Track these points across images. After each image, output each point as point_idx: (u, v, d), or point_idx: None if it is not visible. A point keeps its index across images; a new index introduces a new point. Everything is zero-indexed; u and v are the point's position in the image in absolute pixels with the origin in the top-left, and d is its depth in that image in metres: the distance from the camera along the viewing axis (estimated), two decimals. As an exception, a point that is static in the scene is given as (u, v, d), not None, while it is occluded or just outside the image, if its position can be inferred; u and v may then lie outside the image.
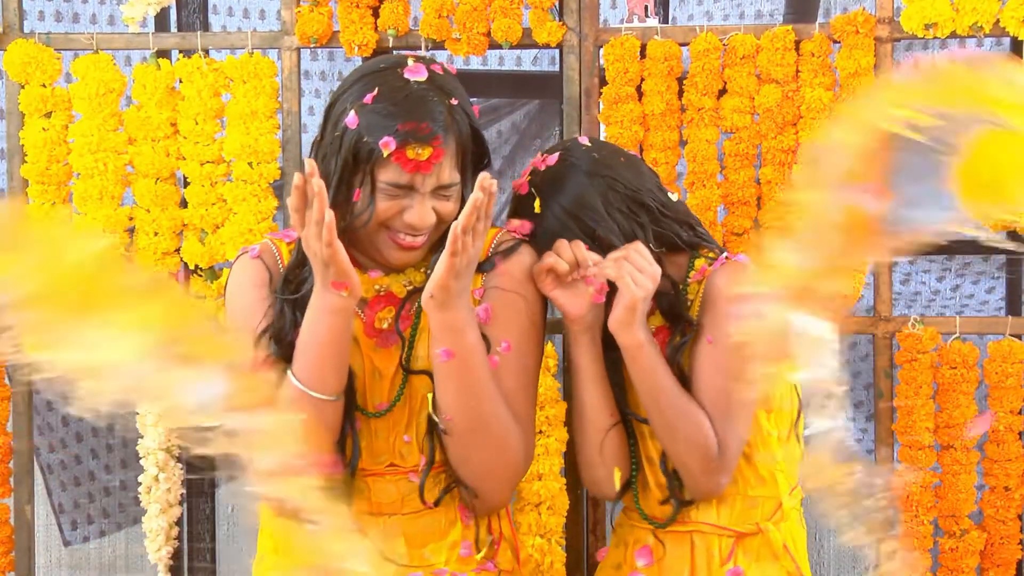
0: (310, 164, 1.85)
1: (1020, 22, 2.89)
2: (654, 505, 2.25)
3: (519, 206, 2.22)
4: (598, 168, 2.18)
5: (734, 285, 2.09)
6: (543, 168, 2.21)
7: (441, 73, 2.04)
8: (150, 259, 3.01)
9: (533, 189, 2.19)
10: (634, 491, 2.26)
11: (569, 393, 2.93)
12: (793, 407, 2.27)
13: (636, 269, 2.08)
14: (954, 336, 3.00)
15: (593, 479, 2.25)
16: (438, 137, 1.95)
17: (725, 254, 2.23)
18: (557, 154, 2.23)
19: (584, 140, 2.29)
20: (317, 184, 1.83)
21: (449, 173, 1.99)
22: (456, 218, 1.92)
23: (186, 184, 3.03)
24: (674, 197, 2.27)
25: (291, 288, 2.04)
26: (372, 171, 1.97)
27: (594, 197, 2.15)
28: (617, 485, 2.23)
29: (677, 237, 2.20)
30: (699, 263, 2.22)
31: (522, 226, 2.16)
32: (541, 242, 2.15)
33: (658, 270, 2.10)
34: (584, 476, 2.28)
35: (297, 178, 1.84)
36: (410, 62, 2.03)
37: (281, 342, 2.00)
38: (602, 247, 2.13)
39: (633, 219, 2.16)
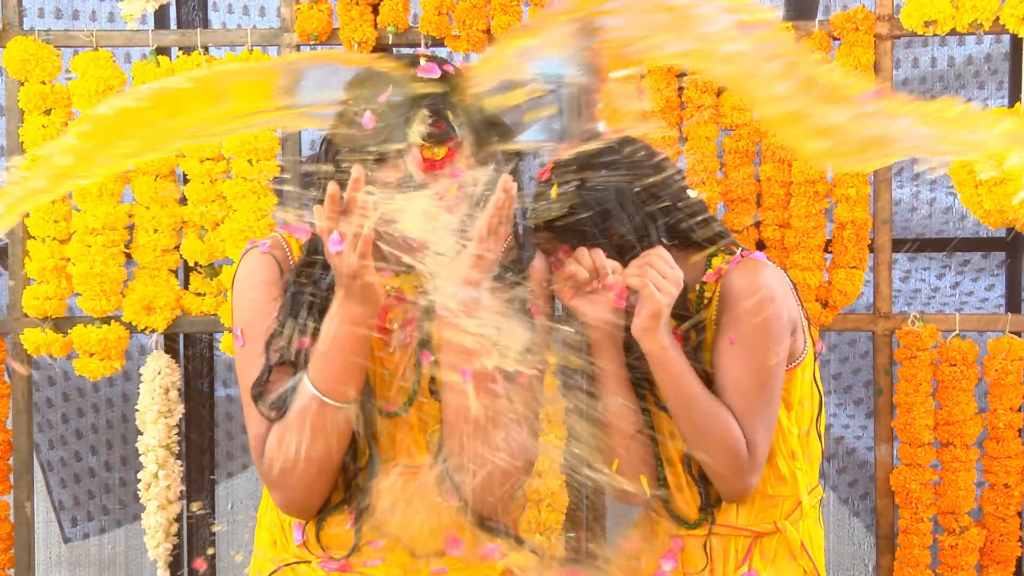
0: (358, 171, 1.83)
1: (1019, 19, 2.89)
2: (680, 505, 2.23)
3: (540, 191, 2.21)
4: (617, 159, 2.17)
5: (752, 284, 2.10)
6: (565, 156, 2.20)
7: (454, 72, 2.04)
8: (150, 256, 3.02)
9: (553, 175, 2.18)
10: (664, 495, 2.24)
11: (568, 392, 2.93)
12: (814, 403, 2.25)
13: (659, 275, 2.05)
14: (954, 333, 3.00)
15: (621, 485, 2.24)
16: (452, 136, 1.94)
17: (741, 252, 2.21)
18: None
19: None
20: (364, 199, 1.81)
21: (463, 171, 1.98)
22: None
23: (186, 181, 3.03)
24: (694, 195, 2.24)
25: (304, 287, 2.02)
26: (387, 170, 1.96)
27: (609, 188, 2.14)
28: (646, 490, 2.21)
29: (692, 233, 2.19)
30: (716, 262, 2.19)
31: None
32: (555, 228, 2.14)
33: (680, 274, 2.07)
34: (612, 483, 2.26)
35: (332, 187, 1.82)
36: (423, 61, 2.02)
37: (292, 345, 1.99)
38: (612, 239, 2.11)
39: (647, 213, 2.14)
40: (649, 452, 2.21)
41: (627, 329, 2.11)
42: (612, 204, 2.13)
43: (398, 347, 2.06)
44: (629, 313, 2.10)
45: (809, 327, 2.25)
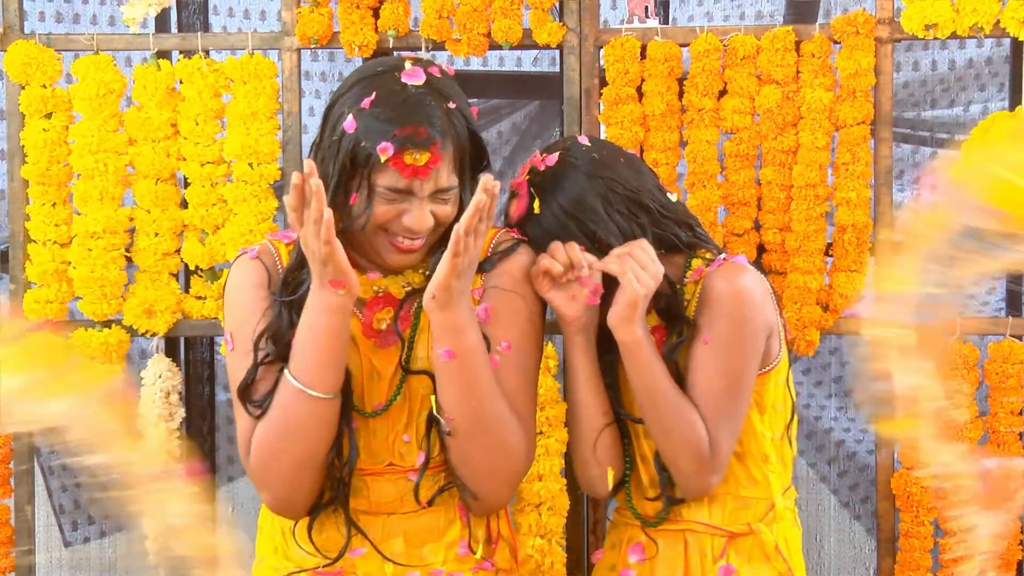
0: (308, 164, 1.85)
1: (1020, 23, 2.89)
2: (646, 504, 2.25)
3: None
4: (598, 168, 2.18)
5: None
6: (542, 168, 2.21)
7: (439, 76, 2.03)
8: (151, 260, 3.02)
9: (532, 189, 2.19)
10: (627, 490, 2.26)
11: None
12: (787, 408, 2.27)
13: (640, 266, 2.08)
14: (954, 337, 3.00)
15: (587, 477, 2.26)
16: (436, 142, 1.95)
17: (723, 255, 2.23)
18: (556, 154, 2.22)
19: (584, 140, 2.29)
20: (315, 184, 1.83)
21: (447, 177, 1.99)
22: (454, 221, 1.92)
23: (186, 185, 3.03)
24: (673, 198, 2.27)
25: (289, 289, 2.04)
26: (370, 175, 1.97)
27: (594, 197, 2.15)
28: (610, 484, 2.24)
29: (676, 238, 2.21)
30: (696, 263, 2.22)
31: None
32: (540, 242, 2.15)
33: (661, 268, 2.11)
34: (578, 474, 2.29)
35: (295, 177, 1.85)
36: (407, 65, 2.02)
37: (279, 342, 2.01)
38: (601, 248, 2.13)
39: (632, 220, 2.16)
40: (618, 446, 2.23)
41: (602, 326, 2.14)
42: (590, 211, 2.15)
43: (384, 346, 2.08)
44: (605, 310, 2.12)
45: (785, 333, 2.28)
